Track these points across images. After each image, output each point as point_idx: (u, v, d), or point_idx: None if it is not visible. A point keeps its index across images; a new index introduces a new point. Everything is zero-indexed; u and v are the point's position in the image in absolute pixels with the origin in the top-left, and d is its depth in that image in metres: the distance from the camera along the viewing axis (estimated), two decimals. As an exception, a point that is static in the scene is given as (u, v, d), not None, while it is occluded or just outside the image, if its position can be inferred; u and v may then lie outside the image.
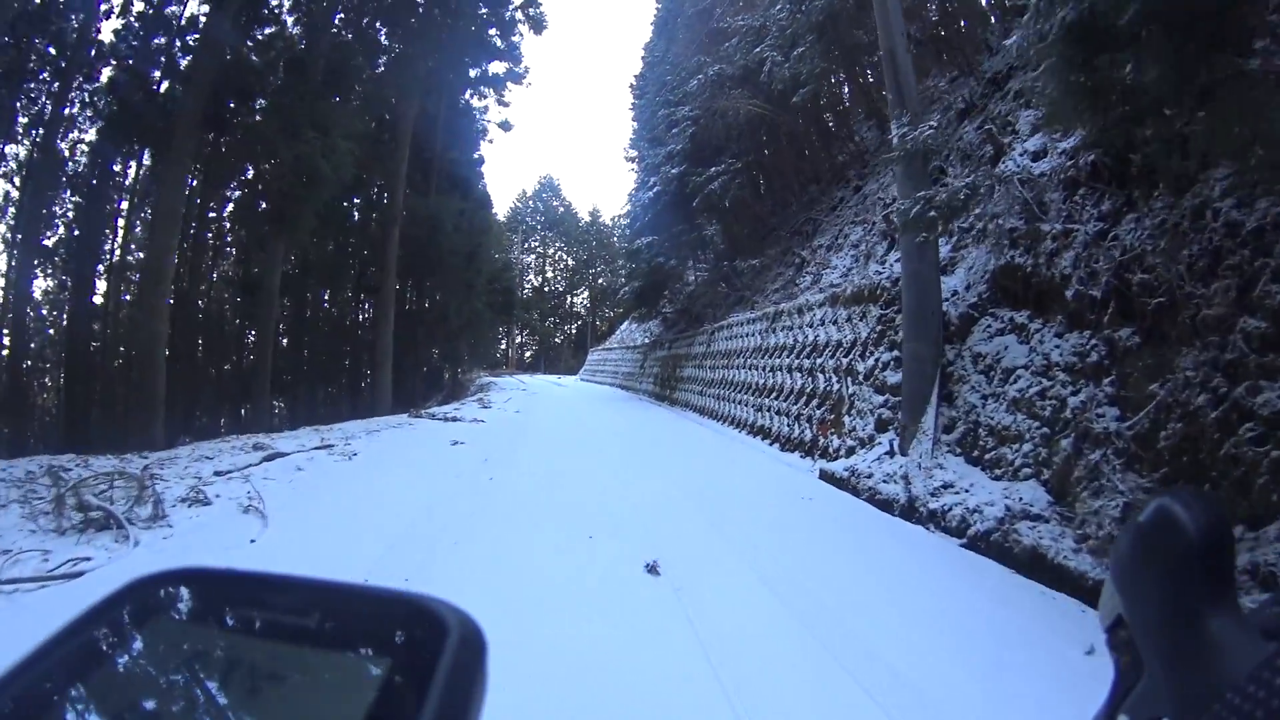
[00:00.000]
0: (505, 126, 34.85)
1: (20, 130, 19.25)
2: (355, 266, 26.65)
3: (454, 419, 12.94)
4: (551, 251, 74.20)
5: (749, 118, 18.62)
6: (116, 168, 20.86)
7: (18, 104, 18.14)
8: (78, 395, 16.90)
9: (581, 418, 16.09)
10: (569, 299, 74.80)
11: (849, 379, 9.86)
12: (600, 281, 70.96)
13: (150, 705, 0.42)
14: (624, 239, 32.50)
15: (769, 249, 20.03)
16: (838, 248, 14.51)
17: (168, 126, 14.39)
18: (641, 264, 21.28)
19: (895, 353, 9.06)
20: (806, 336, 11.74)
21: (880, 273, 10.27)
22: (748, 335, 15.20)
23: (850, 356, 10.01)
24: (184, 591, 0.46)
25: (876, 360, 9.30)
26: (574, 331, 73.33)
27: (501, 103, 34.28)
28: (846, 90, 19.68)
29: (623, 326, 43.23)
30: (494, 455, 9.54)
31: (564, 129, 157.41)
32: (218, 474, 7.07)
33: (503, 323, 42.50)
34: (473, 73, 31.83)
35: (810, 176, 21.28)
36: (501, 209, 68.96)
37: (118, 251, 22.11)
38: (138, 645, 0.43)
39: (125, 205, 22.68)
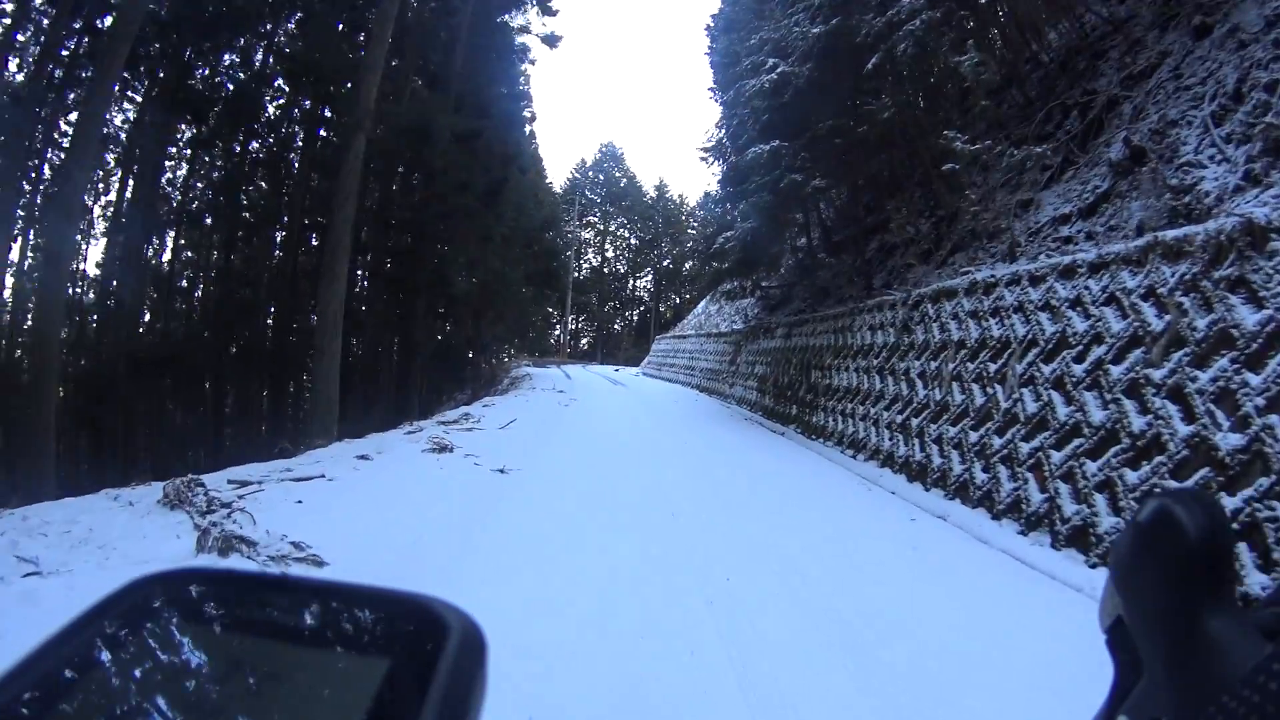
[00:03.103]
0: (551, 40, 26.51)
1: None
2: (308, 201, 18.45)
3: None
4: (613, 228, 65.93)
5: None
6: None
7: None
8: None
9: (657, 499, 6.65)
10: (631, 281, 66.68)
11: None
12: (666, 263, 63.03)
13: (151, 705, 0.41)
14: (712, 202, 23.49)
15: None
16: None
17: None
18: (756, 191, 12.28)
19: None
20: None
21: None
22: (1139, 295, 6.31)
23: None
24: (184, 591, 0.45)
25: None
26: (635, 318, 65.49)
27: (547, 10, 26.02)
28: None
29: (698, 309, 34.23)
30: None
31: (626, 100, 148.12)
32: None
33: (546, 299, 33.87)
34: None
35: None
36: (558, 180, 61.34)
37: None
38: (138, 645, 0.42)
39: None
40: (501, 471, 6.86)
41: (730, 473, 8.05)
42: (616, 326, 65.78)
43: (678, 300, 61.11)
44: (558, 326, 59.79)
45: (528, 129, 33.58)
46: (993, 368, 7.19)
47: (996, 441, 6.77)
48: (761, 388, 15.54)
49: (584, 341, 65.06)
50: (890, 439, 8.55)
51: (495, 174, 18.55)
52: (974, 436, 7.09)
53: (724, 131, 19.56)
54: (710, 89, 25.65)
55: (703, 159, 21.10)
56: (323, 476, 6.08)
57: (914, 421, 8.17)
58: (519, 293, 24.40)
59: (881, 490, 7.71)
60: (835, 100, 11.55)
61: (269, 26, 21.47)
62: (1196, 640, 0.41)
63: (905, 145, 11.92)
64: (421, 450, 7.27)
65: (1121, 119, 9.34)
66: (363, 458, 6.86)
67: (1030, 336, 6.85)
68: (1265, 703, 0.32)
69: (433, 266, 17.32)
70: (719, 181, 20.13)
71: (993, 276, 7.82)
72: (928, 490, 7.42)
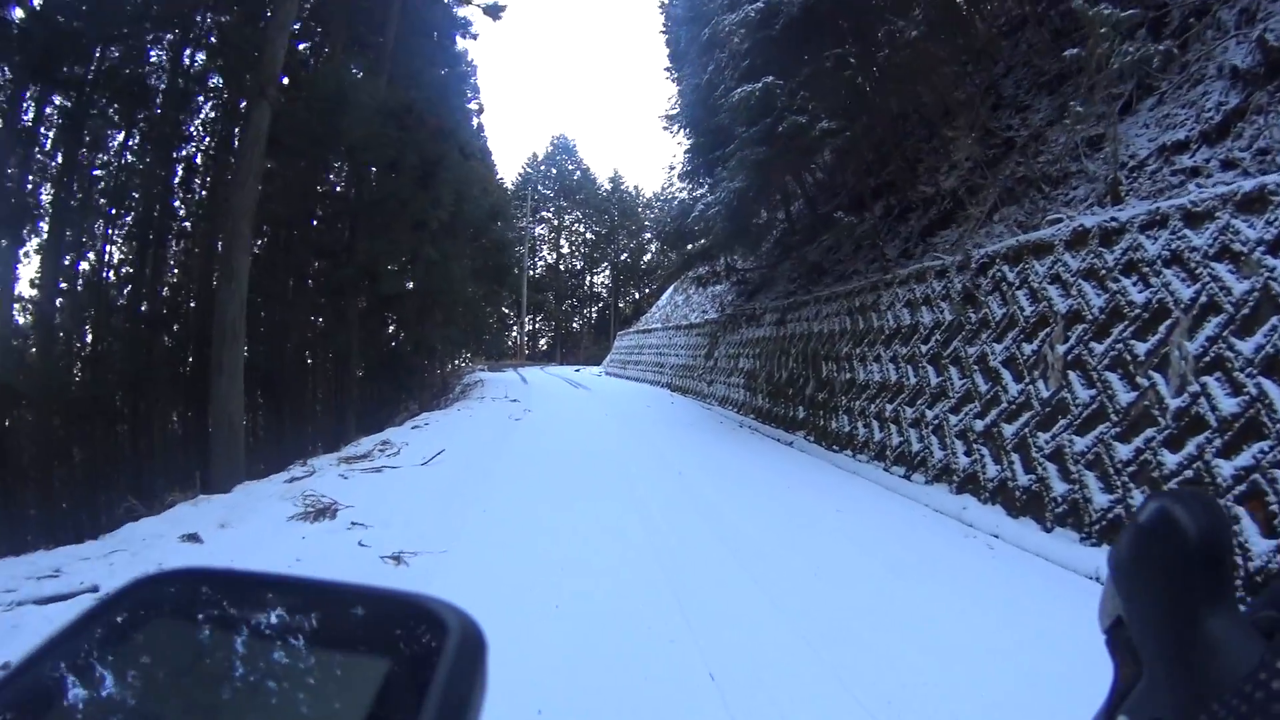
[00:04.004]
0: (493, 11, 23.88)
1: None
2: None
3: None
4: (567, 222, 63.27)
5: None
6: None
7: None
8: None
9: (660, 612, 3.69)
10: (588, 278, 64.11)
11: None
12: (624, 257, 60.86)
13: (150, 705, 0.41)
14: (677, 177, 21.01)
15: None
16: None
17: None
18: (744, 146, 9.81)
19: None
20: None
21: None
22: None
23: None
24: (184, 591, 0.45)
25: None
26: (594, 316, 63.02)
27: (487, -24, 23.42)
28: None
29: (662, 301, 31.74)
30: None
31: (577, 92, 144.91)
32: None
33: (499, 297, 30.99)
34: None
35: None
36: (509, 176, 58.36)
37: None
38: (138, 645, 0.42)
39: None
40: (396, 560, 4.15)
41: (760, 524, 5.48)
42: (575, 325, 63.20)
43: (637, 295, 59.12)
44: (514, 328, 57.04)
45: (475, 121, 30.77)
46: (1140, 348, 4.88)
47: (1169, 459, 4.46)
48: (750, 385, 13.17)
49: (542, 342, 62.41)
50: (969, 454, 6.19)
51: (429, 152, 15.84)
52: (1124, 451, 4.77)
53: (685, 100, 17.16)
54: (667, 69, 23.27)
55: (665, 128, 18.79)
56: (95, 589, 3.50)
57: (1007, 429, 5.83)
58: (466, 290, 21.69)
59: (990, 540, 5.28)
60: (841, 26, 9.21)
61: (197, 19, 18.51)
62: (1196, 640, 0.41)
63: (937, 73, 9.60)
64: (288, 518, 4.68)
65: (1220, 28, 7.30)
66: (190, 539, 4.27)
67: (1208, 299, 4.55)
68: (1270, 701, 0.32)
69: (357, 261, 14.53)
70: (686, 151, 17.74)
71: (1113, 221, 5.52)
72: (1048, 530, 5.08)
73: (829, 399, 9.26)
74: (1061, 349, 5.52)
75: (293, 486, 5.70)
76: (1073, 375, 5.38)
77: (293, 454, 13.35)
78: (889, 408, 7.67)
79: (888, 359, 8.02)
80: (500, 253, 23.87)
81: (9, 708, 0.37)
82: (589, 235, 62.85)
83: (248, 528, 4.55)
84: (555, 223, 62.66)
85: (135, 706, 0.40)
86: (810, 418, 9.76)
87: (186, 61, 18.68)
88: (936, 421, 6.71)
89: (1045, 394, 5.56)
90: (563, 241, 63.29)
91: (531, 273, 55.99)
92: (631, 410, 14.59)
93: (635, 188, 64.63)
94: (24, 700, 0.37)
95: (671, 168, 22.54)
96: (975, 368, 6.40)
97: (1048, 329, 5.73)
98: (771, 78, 9.41)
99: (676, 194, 21.26)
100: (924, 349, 7.36)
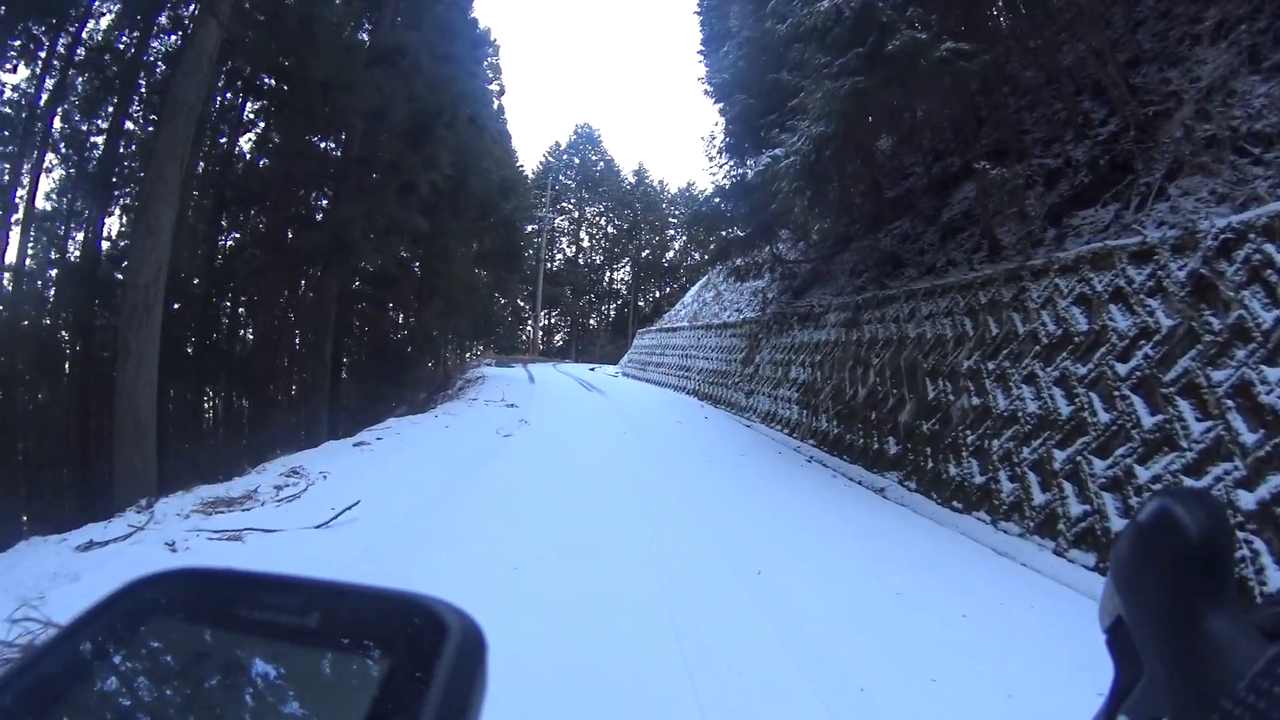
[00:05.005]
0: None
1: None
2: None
3: None
4: (588, 214, 60.90)
5: None
6: None
7: None
8: None
9: None
10: (608, 274, 61.70)
11: None
12: (646, 254, 58.48)
13: (150, 706, 0.41)
14: (715, 151, 18.35)
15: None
16: None
17: None
18: (834, 76, 7.10)
19: None
20: None
21: None
22: None
23: None
24: (184, 591, 0.45)
25: None
26: (611, 313, 60.65)
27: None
28: None
29: (687, 298, 28.92)
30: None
31: (603, 83, 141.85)
32: None
33: (508, 285, 28.35)
34: None
35: None
36: (529, 164, 56.02)
37: None
38: (138, 645, 0.42)
39: None
40: None
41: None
42: (592, 322, 60.86)
43: (658, 294, 56.97)
44: (529, 322, 54.74)
45: (496, 103, 28.39)
46: None
47: None
48: (808, 402, 10.54)
49: (558, 338, 60.07)
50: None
51: (425, 103, 13.32)
52: None
53: (731, 59, 14.54)
54: (700, 50, 20.76)
55: (706, 92, 16.26)
56: None
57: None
58: (470, 274, 19.20)
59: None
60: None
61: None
62: (1196, 640, 0.40)
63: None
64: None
65: None
66: None
67: None
68: (1271, 709, 0.31)
69: (328, 230, 11.98)
70: (729, 121, 15.09)
71: None
72: None
73: (941, 431, 6.61)
74: None
75: (80, 561, 3.22)
76: None
77: (265, 453, 10.94)
78: (1059, 455, 5.02)
79: (1049, 381, 5.37)
80: (511, 234, 21.31)
81: (10, 707, 0.36)
82: (610, 229, 60.45)
83: None
84: (575, 214, 60.33)
85: (135, 706, 0.39)
86: (908, 455, 7.10)
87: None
88: (1156, 485, 4.07)
89: None
90: (583, 234, 60.96)
91: (549, 265, 53.66)
92: (658, 427, 11.92)
93: (660, 182, 62.04)
94: (25, 700, 0.36)
95: (711, 138, 19.85)
96: (1228, 403, 3.75)
97: None
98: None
99: (716, 169, 18.63)
100: (1121, 369, 4.71)
